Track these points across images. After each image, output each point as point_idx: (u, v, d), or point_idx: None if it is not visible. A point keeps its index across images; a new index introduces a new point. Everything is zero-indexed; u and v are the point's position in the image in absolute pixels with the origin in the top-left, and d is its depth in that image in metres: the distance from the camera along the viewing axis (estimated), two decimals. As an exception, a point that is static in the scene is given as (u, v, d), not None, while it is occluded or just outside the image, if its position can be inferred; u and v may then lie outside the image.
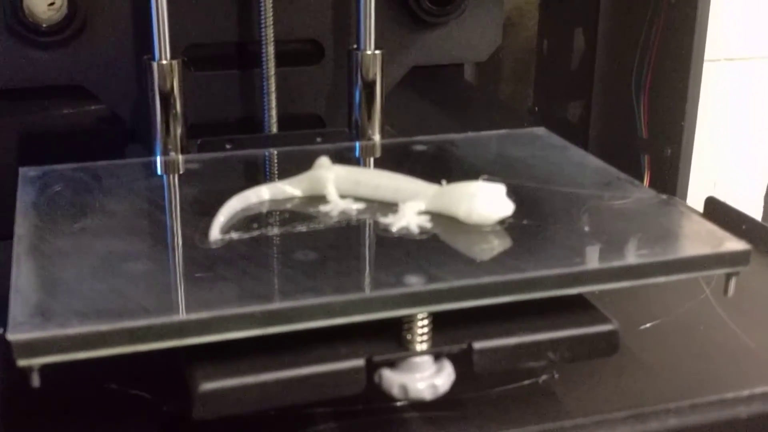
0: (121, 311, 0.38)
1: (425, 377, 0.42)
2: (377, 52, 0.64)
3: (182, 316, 0.38)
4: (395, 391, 0.42)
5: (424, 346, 0.42)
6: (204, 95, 0.67)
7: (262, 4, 0.64)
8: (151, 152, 0.62)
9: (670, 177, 0.72)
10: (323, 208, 0.50)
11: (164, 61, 0.60)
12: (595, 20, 0.77)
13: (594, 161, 0.59)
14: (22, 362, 0.36)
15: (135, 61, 0.65)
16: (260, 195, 0.51)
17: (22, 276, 0.41)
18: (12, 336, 0.36)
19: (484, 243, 0.46)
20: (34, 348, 0.36)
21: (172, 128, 0.62)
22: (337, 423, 0.44)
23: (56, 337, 0.37)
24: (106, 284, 0.41)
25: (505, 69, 0.80)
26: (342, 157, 0.56)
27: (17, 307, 0.38)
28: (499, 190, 0.47)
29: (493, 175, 0.49)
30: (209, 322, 0.38)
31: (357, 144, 0.65)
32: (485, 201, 0.47)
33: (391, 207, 0.49)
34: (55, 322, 0.37)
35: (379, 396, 0.43)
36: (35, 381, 0.37)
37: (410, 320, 0.42)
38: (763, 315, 0.56)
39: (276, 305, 0.39)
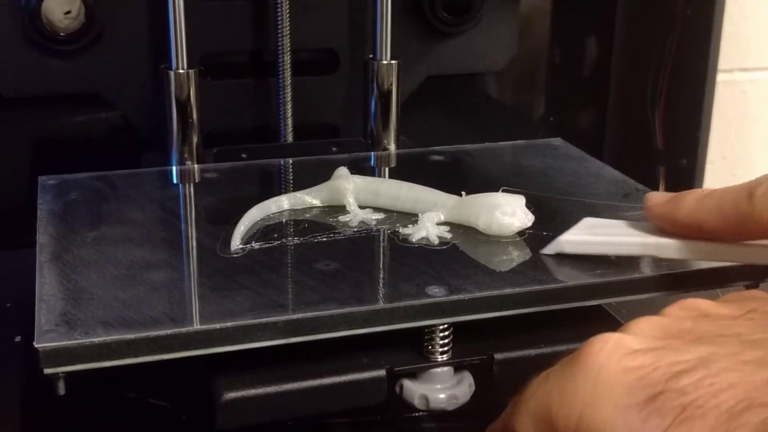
0: (145, 320, 0.39)
1: (446, 388, 0.43)
2: (393, 61, 0.64)
3: (206, 325, 0.39)
4: (416, 402, 0.42)
5: (445, 357, 0.42)
6: (220, 104, 0.67)
7: (279, 14, 0.64)
8: (167, 161, 0.62)
9: (685, 188, 0.72)
10: (343, 218, 0.50)
11: (181, 70, 0.60)
12: (610, 29, 0.77)
13: (612, 172, 0.59)
14: (48, 370, 0.37)
15: (151, 69, 0.65)
16: (280, 205, 0.51)
17: (47, 285, 0.42)
18: (39, 344, 0.36)
19: (505, 254, 0.46)
20: (60, 356, 0.37)
21: (188, 137, 0.62)
22: (357, 433, 0.45)
23: (82, 345, 0.37)
24: (130, 293, 0.41)
25: (519, 78, 0.80)
26: (358, 167, 0.56)
27: (43, 315, 0.39)
28: (519, 201, 0.47)
29: (511, 186, 0.49)
30: (232, 332, 0.39)
31: (372, 154, 0.65)
32: (505, 212, 0.47)
33: (410, 217, 0.49)
34: (80, 331, 0.37)
35: (400, 406, 0.43)
36: (61, 389, 0.37)
37: (431, 331, 0.42)
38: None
39: (298, 315, 0.39)
